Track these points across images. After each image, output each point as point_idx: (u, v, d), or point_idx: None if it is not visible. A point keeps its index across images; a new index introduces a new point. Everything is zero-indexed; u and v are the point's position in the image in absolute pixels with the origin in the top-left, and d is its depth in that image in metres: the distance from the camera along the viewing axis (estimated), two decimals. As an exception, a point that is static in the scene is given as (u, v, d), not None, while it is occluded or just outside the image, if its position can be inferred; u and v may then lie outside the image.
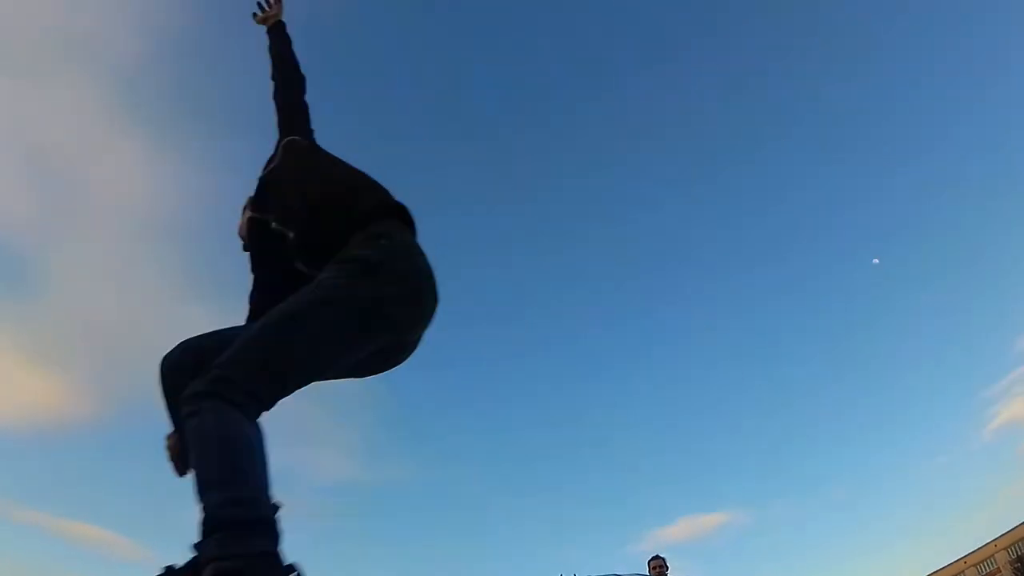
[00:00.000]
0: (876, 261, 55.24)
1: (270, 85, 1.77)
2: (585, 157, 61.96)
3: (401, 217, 1.37)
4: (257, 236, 1.45)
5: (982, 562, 44.70)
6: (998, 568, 42.93)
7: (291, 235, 1.32)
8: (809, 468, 64.26)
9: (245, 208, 1.51)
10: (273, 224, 1.36)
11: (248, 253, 1.50)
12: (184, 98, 58.54)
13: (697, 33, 58.45)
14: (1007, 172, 57.62)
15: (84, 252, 55.67)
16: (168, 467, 1.30)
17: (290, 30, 1.86)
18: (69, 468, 56.19)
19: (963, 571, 45.88)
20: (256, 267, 1.48)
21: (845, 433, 64.91)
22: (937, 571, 46.73)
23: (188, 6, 51.40)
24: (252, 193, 1.50)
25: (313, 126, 1.69)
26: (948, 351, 63.57)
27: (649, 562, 4.53)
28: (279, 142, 1.58)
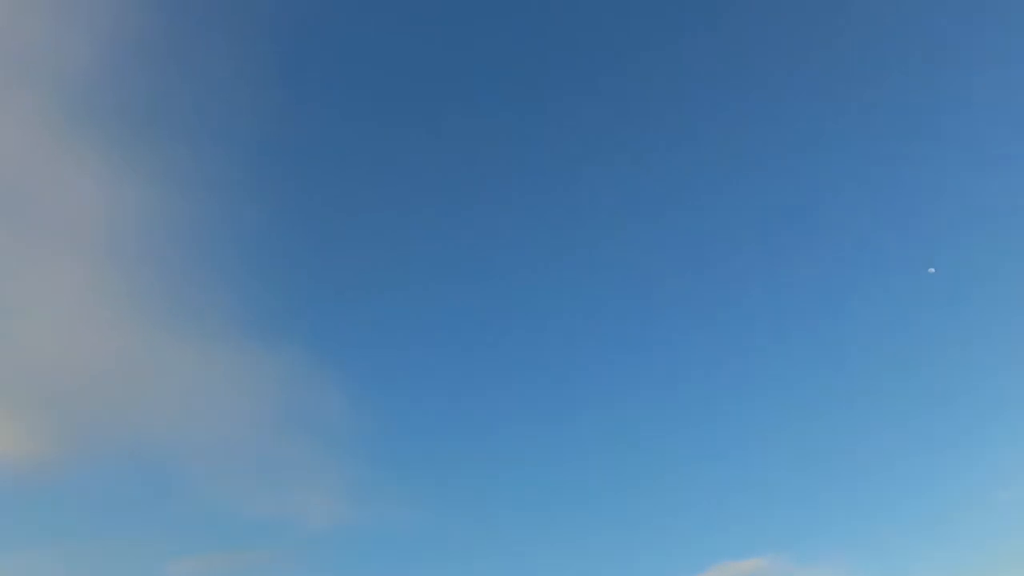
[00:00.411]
0: (932, 271, 51.97)
1: None
2: (612, 169, 59.20)
3: None
4: None
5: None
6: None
7: None
8: (857, 508, 59.68)
9: None
10: None
11: None
12: (143, 108, 55.47)
13: (709, 31, 55.87)
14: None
15: (42, 278, 52.37)
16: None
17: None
18: (29, 521, 52.28)
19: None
20: None
21: (897, 469, 60.34)
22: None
23: (144, 10, 48.50)
24: None
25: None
26: (1009, 372, 59.27)
27: None
28: None
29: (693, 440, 60.30)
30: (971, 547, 53.31)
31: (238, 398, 59.41)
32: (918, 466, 57.29)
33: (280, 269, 62.36)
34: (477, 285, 62.83)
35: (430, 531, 58.21)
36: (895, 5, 53.23)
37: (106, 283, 54.56)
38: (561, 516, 59.31)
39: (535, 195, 63.00)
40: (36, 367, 53.21)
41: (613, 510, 57.69)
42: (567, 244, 62.83)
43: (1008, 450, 56.56)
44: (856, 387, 60.22)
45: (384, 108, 59.48)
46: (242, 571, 57.44)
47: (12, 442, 51.17)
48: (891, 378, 59.62)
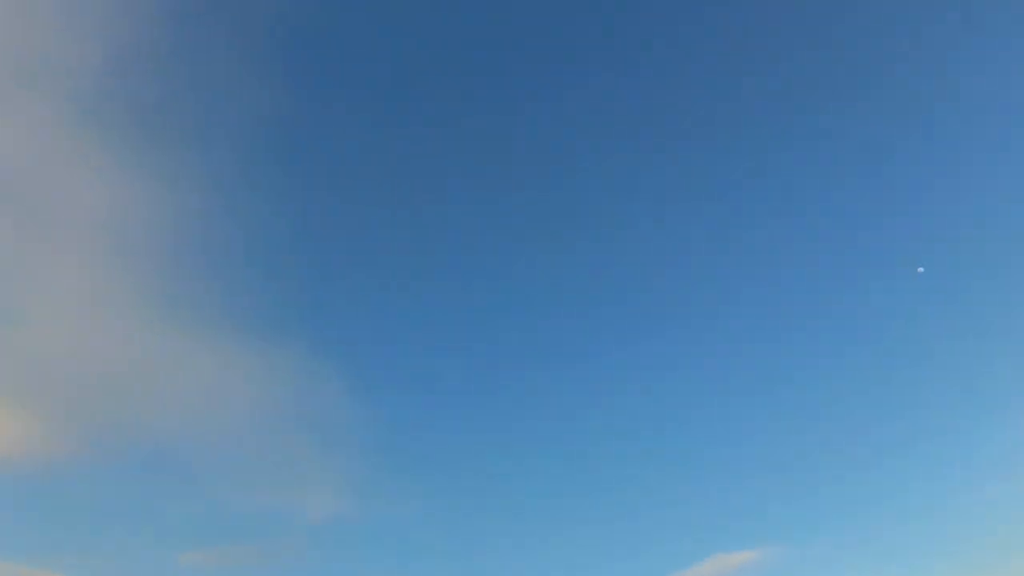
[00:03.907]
0: (921, 270, 52.65)
1: None
2: (583, 155, 59.34)
3: None
4: None
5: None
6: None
7: None
8: (850, 501, 60.34)
9: None
10: None
11: None
12: (149, 109, 56.12)
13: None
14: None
15: (50, 277, 53.30)
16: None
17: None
18: (40, 512, 53.16)
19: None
20: None
21: (888, 463, 61.06)
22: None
23: (149, 15, 49.10)
24: None
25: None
26: (1001, 367, 59.82)
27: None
28: None
29: (689, 435, 60.25)
30: (960, 540, 53.37)
31: (242, 394, 59.93)
32: (909, 462, 57.41)
33: (284, 268, 62.69)
34: (478, 282, 63.12)
35: (428, 526, 58.47)
36: (894, 6, 53.57)
37: (113, 282, 55.11)
38: (559, 511, 59.51)
39: (534, 192, 63.17)
40: (45, 366, 53.55)
41: (611, 505, 57.91)
42: (565, 241, 63.05)
43: (1000, 445, 56.65)
44: (848, 383, 60.49)
45: (385, 107, 59.79)
46: (249, 563, 58.11)
47: (21, 440, 51.96)
48: (883, 374, 59.81)
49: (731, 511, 56.64)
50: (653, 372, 61.56)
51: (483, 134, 61.39)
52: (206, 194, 58.91)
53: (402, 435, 62.11)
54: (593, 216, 63.89)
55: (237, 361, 59.13)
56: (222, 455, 61.83)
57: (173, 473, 58.54)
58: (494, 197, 63.35)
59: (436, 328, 64.51)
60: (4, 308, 51.46)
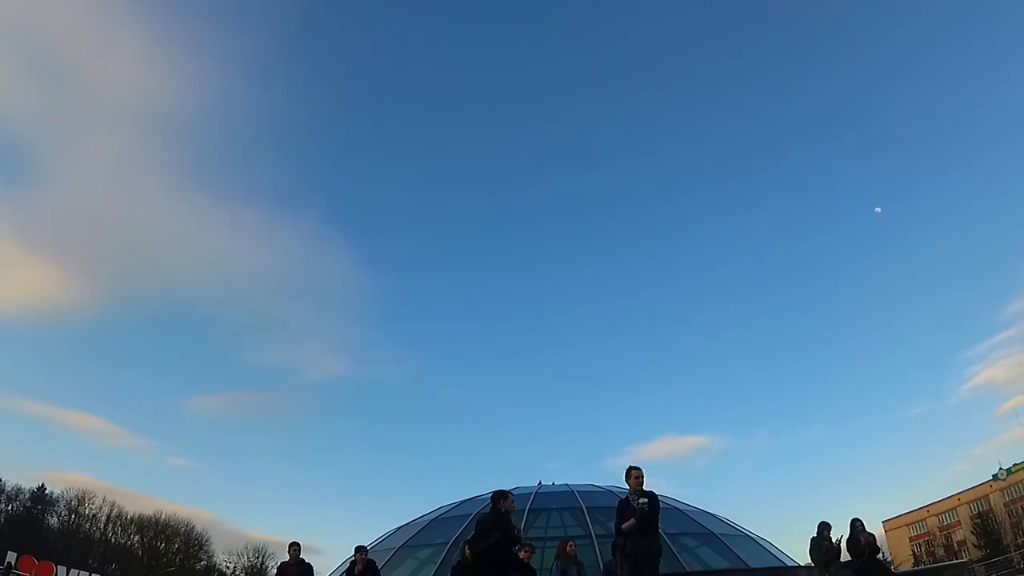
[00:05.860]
0: (878, 210, 54.01)
1: None
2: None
3: None
4: None
5: (944, 513, 46.42)
6: (959, 521, 44.57)
7: None
8: (791, 404, 65.89)
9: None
10: None
11: None
12: None
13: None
14: (1016, 133, 55.45)
15: (84, 144, 54.14)
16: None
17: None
18: (67, 357, 57.25)
19: (925, 519, 47.78)
20: None
21: (830, 374, 65.99)
22: (901, 515, 48.58)
23: None
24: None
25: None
26: (937, 305, 63.33)
27: (631, 470, 4.24)
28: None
29: (656, 333, 64.06)
30: (884, 450, 58.86)
31: (256, 258, 62.70)
32: (847, 376, 61.71)
33: (298, 143, 63.68)
34: (482, 163, 63.89)
35: (416, 390, 63.54)
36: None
37: (143, 150, 56.11)
38: (537, 385, 64.36)
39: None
40: (75, 224, 56.11)
41: (581, 383, 62.65)
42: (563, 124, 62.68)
43: (923, 375, 60.68)
44: (802, 304, 63.52)
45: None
46: (250, 410, 63.39)
47: (52, 292, 54.95)
48: (833, 299, 62.74)
49: (685, 399, 61.24)
50: (628, 270, 63.82)
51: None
52: (236, 75, 58.43)
53: (397, 305, 65.45)
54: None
55: (253, 228, 61.09)
56: (232, 314, 65.18)
57: (187, 327, 62.15)
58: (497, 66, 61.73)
59: (446, 204, 65.62)
60: (39, 169, 52.53)
